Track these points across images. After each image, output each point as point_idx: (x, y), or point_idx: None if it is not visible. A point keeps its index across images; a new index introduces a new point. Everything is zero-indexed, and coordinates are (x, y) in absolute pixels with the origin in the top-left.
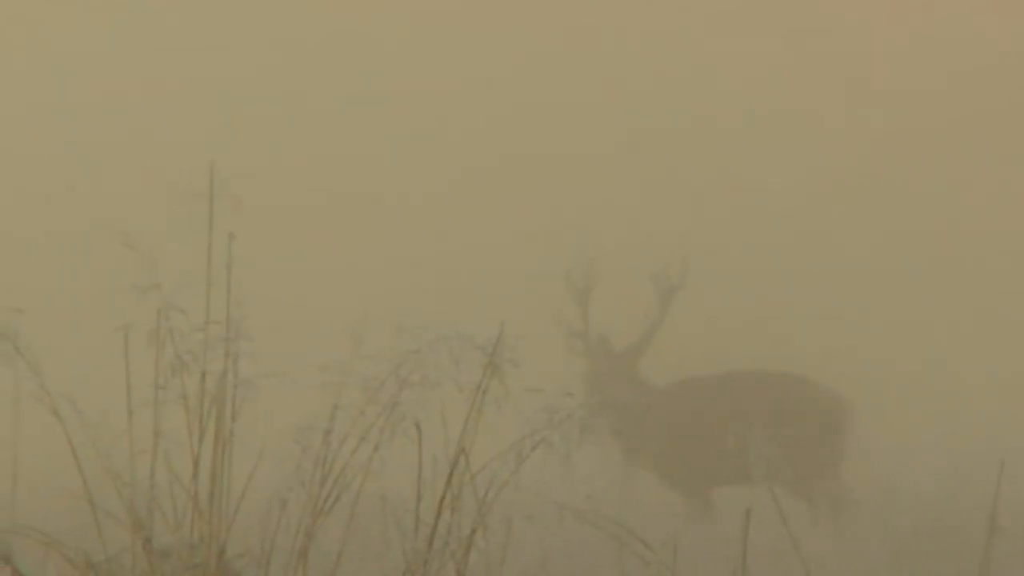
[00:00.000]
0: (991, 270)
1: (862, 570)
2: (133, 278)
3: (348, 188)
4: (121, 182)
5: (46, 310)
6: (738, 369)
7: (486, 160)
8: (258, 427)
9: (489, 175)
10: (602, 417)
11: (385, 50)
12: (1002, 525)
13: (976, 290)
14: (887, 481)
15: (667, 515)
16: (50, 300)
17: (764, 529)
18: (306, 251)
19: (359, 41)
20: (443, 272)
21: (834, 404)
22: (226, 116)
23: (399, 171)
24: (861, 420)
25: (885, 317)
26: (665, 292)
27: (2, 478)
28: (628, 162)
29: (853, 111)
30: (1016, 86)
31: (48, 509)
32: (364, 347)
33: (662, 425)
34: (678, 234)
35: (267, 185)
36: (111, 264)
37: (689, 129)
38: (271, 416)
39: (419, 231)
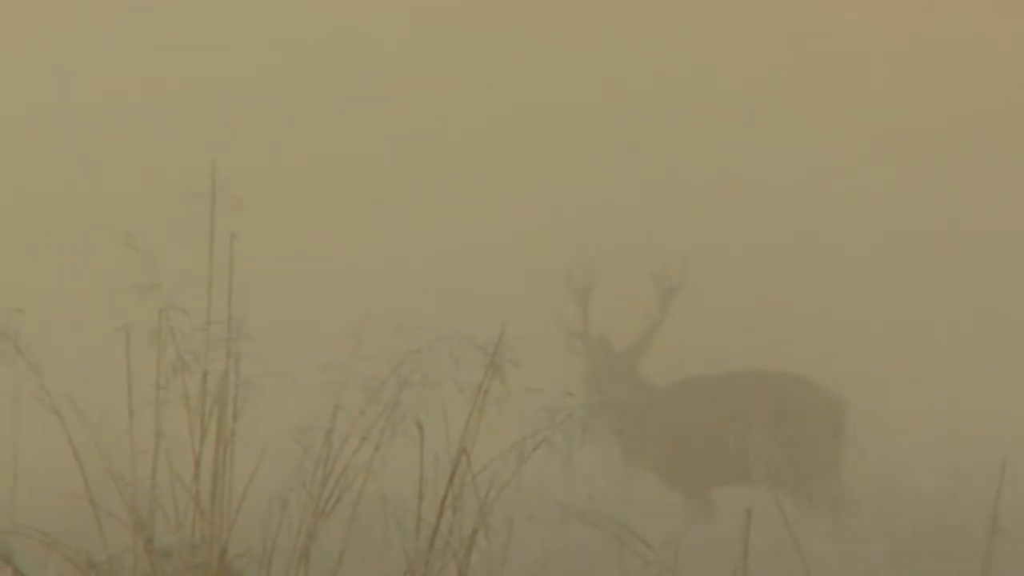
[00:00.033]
0: (991, 270)
1: (862, 570)
2: (134, 278)
3: (348, 188)
4: (121, 182)
5: (47, 310)
6: (738, 369)
7: (486, 160)
8: (259, 427)
9: (489, 175)
10: (603, 417)
11: (385, 50)
12: (1003, 525)
13: (976, 290)
14: (887, 481)
15: (668, 515)
16: (51, 300)
17: (765, 529)
18: (307, 251)
19: (359, 41)
20: (443, 272)
21: (834, 404)
22: (226, 116)
23: (399, 171)
24: (861, 420)
25: (885, 317)
26: (665, 292)
27: (3, 478)
28: (628, 162)
29: (853, 111)
30: (1016, 86)
31: (49, 509)
32: (365, 347)
33: (662, 425)
34: (678, 234)
35: (267, 185)
36: (112, 264)
37: (689, 129)
38: (272, 416)
39: (419, 231)
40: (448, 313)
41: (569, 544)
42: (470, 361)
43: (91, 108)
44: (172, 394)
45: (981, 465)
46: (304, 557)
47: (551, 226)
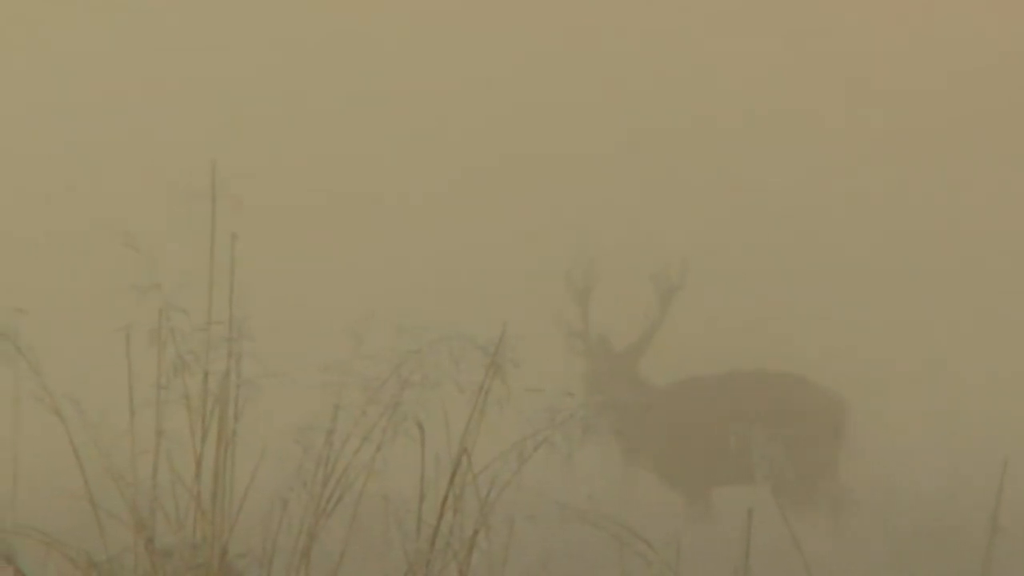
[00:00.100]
0: (991, 270)
1: (862, 570)
2: (134, 278)
3: (348, 188)
4: (121, 182)
5: (47, 310)
6: (738, 369)
7: (486, 160)
8: (260, 427)
9: (489, 175)
10: (603, 417)
11: (385, 50)
12: (1003, 525)
13: (976, 290)
14: (887, 481)
15: (669, 515)
16: (51, 300)
17: (766, 529)
18: (307, 251)
19: (359, 41)
20: (443, 272)
21: (834, 404)
22: (226, 116)
23: (399, 171)
24: (861, 420)
25: (885, 317)
26: (665, 292)
27: (3, 478)
28: (628, 162)
29: (853, 111)
30: (1016, 86)
31: (50, 509)
32: (365, 347)
33: (662, 425)
34: (678, 234)
35: (268, 185)
36: (112, 264)
37: (689, 129)
38: (273, 416)
39: (419, 231)
40: (448, 313)
41: (570, 544)
42: (471, 361)
43: (91, 108)
44: (173, 394)
45: (981, 465)
46: (305, 557)
47: (551, 226)
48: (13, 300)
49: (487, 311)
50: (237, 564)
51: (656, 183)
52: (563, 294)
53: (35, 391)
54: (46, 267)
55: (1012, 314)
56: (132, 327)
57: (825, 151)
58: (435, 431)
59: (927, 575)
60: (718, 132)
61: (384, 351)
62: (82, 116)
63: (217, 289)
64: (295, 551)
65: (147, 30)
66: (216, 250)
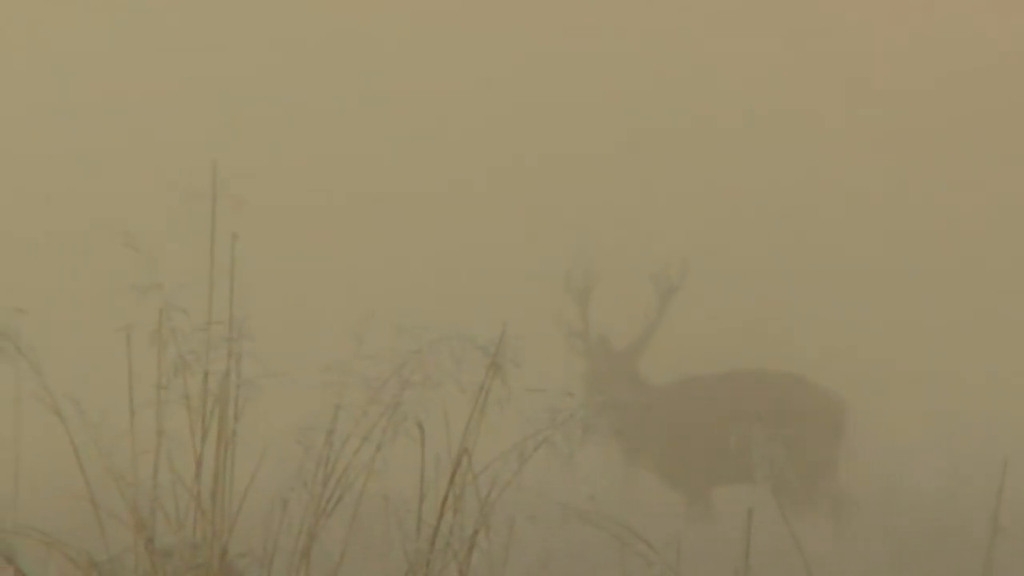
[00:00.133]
0: (991, 270)
1: (863, 570)
2: (135, 278)
3: (349, 188)
4: (122, 182)
5: (48, 310)
6: (738, 369)
7: (486, 160)
8: (260, 427)
9: (489, 175)
10: (604, 417)
11: (385, 50)
12: (1004, 525)
13: (976, 290)
14: (887, 481)
15: (670, 515)
16: (52, 300)
17: (766, 529)
18: (308, 251)
19: (359, 41)
20: (443, 272)
21: (834, 404)
22: (227, 116)
23: (399, 171)
24: (861, 420)
25: (885, 317)
26: (665, 292)
27: (4, 478)
28: (628, 162)
29: (853, 111)
30: (1016, 86)
31: (50, 509)
32: (366, 347)
33: (663, 425)
34: (678, 234)
35: (268, 185)
36: (112, 264)
37: (689, 129)
38: (273, 416)
39: (419, 231)
40: (448, 313)
41: (570, 544)
42: (471, 361)
43: (91, 108)
44: (173, 394)
45: (981, 465)
46: (305, 557)
47: (551, 226)
48: (14, 300)
49: (487, 311)
50: (237, 564)
51: (656, 183)
52: (563, 294)
53: (36, 391)
54: (46, 267)
55: (1012, 314)
56: (132, 327)
57: (825, 151)
58: (435, 431)
59: (927, 575)
60: (718, 132)
61: (384, 351)
62: (82, 116)
63: (217, 289)
64: (295, 551)
65: (147, 30)
66: (216, 250)
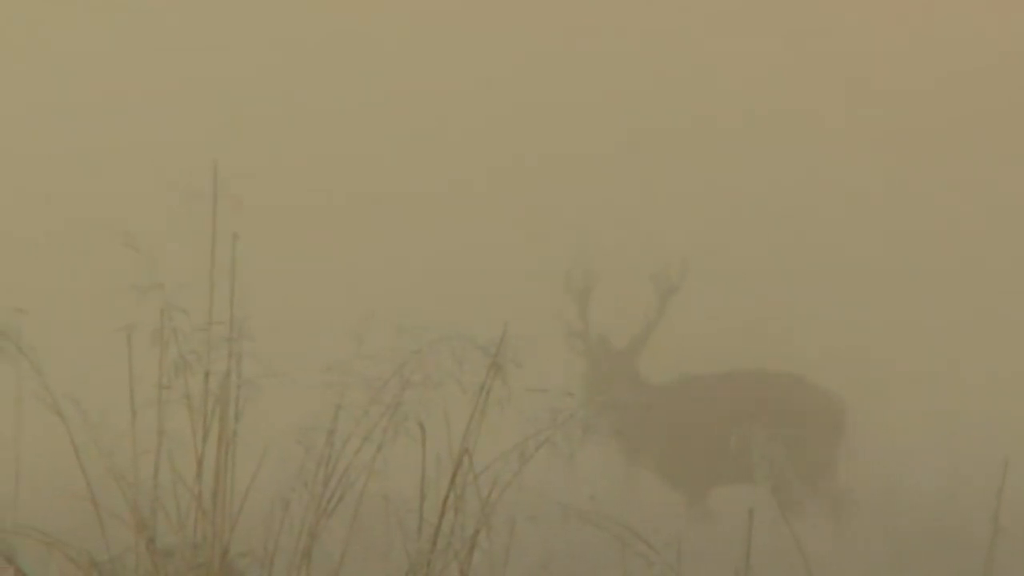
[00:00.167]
0: (991, 270)
1: (863, 570)
2: (135, 278)
3: (349, 188)
4: (122, 182)
5: (48, 310)
6: (738, 369)
7: (486, 160)
8: (261, 427)
9: (489, 175)
10: (604, 417)
11: (385, 50)
12: (1004, 525)
13: (976, 290)
14: (887, 481)
15: (670, 515)
16: (52, 300)
17: (767, 529)
18: (308, 251)
19: (359, 41)
20: (444, 272)
21: (834, 404)
22: (227, 116)
23: (399, 171)
24: (861, 420)
25: (885, 317)
26: (665, 292)
27: (5, 478)
28: (628, 162)
29: (853, 111)
30: (1016, 86)
31: (51, 509)
32: (366, 347)
33: (663, 425)
34: (678, 234)
35: (269, 185)
36: (113, 264)
37: (689, 129)
38: (274, 416)
39: (419, 231)
40: (449, 313)
41: (571, 544)
42: (472, 361)
43: (91, 108)
44: (174, 394)
45: (981, 465)
46: (306, 557)
47: (551, 226)
48: (14, 300)
49: (487, 311)
50: (238, 564)
51: (656, 183)
52: (563, 294)
53: (36, 391)
54: (47, 267)
55: (1012, 314)
56: (133, 327)
57: (825, 151)
58: (436, 431)
59: (928, 575)
60: (718, 132)
61: (385, 351)
62: (82, 116)
63: (218, 289)
64: (296, 551)
65: (147, 30)
66: (217, 250)
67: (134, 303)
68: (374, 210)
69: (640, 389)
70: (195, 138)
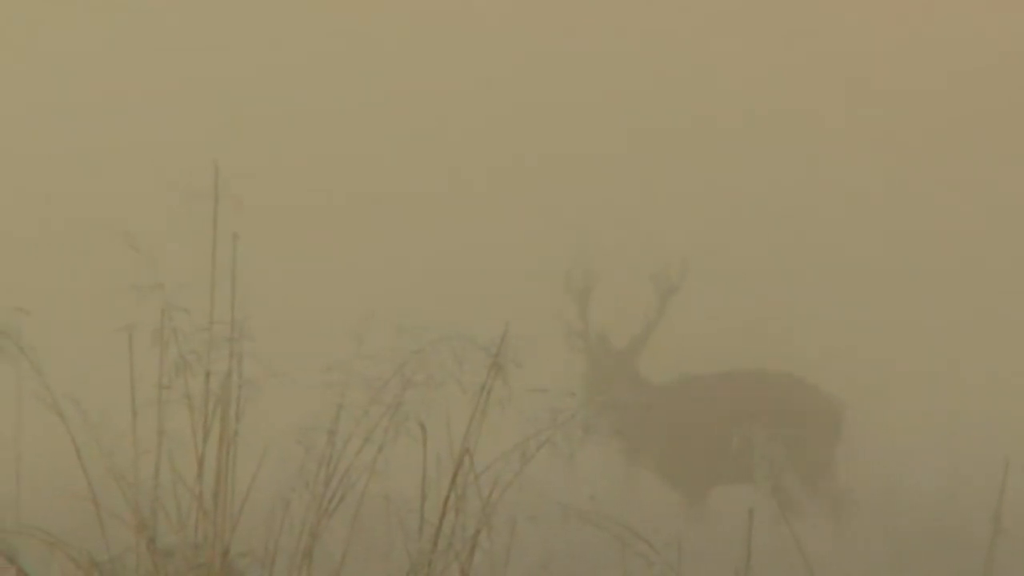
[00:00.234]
0: (991, 270)
1: (863, 570)
2: (136, 278)
3: (349, 188)
4: (122, 182)
5: (49, 310)
6: (738, 369)
7: (486, 160)
8: (262, 427)
9: (489, 175)
10: (604, 417)
11: (385, 50)
12: (1005, 526)
13: (976, 290)
14: (887, 481)
15: (671, 515)
16: (53, 300)
17: (767, 529)
18: (309, 251)
19: (359, 41)
20: (444, 272)
21: (833, 404)
22: (228, 116)
23: (399, 171)
24: (861, 420)
25: (885, 317)
26: (665, 292)
27: (6, 478)
28: (628, 162)
29: (853, 111)
30: (1016, 86)
31: (52, 509)
32: (367, 347)
33: (663, 425)
34: (678, 234)
35: (269, 185)
36: (113, 264)
37: (689, 129)
38: (275, 416)
39: (420, 231)
40: (449, 313)
41: (571, 544)
42: (473, 361)
43: (91, 108)
44: (175, 394)
45: (981, 465)
46: (307, 557)
47: (551, 226)
48: (14, 300)
49: (487, 311)
50: (239, 564)
51: (656, 183)
52: (563, 294)
53: (37, 391)
54: (47, 267)
55: (1012, 314)
56: (134, 327)
57: (825, 151)
58: (437, 431)
59: (928, 575)
60: (718, 132)
61: (386, 351)
62: (82, 116)
63: (219, 289)
64: (297, 551)
65: (147, 30)
66: (218, 250)
67: (135, 303)
68: (374, 210)
69: (640, 389)
70: (195, 138)
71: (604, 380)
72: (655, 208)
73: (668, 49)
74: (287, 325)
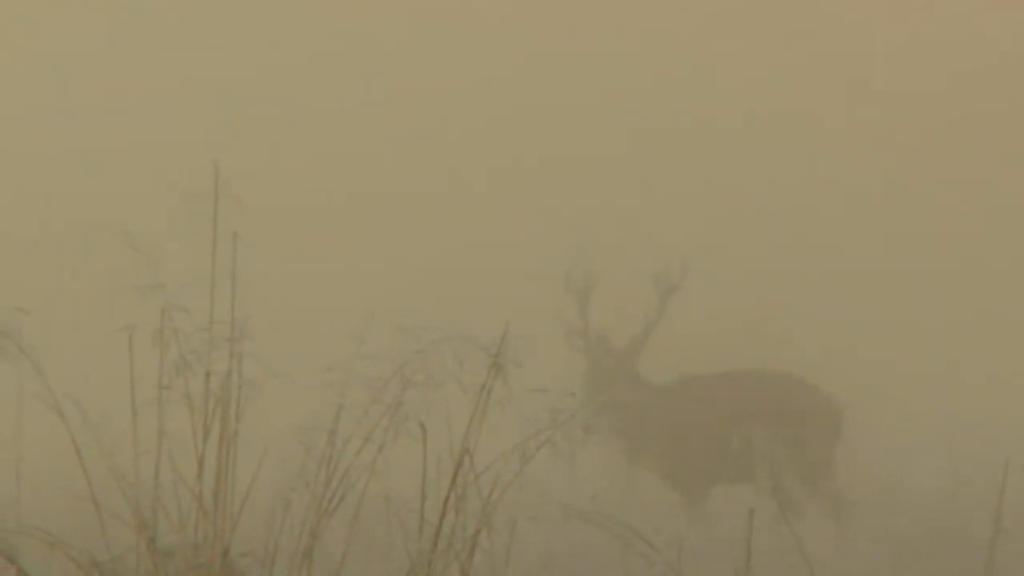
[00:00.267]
0: (991, 270)
1: (864, 570)
2: (136, 278)
3: (349, 188)
4: (122, 182)
5: (49, 310)
6: (738, 369)
7: (486, 160)
8: (262, 427)
9: (489, 175)
10: (605, 417)
11: (385, 50)
12: (1006, 526)
13: (976, 290)
14: (887, 481)
15: (671, 515)
16: (53, 300)
17: (767, 529)
18: (309, 251)
19: (359, 41)
20: (444, 272)
21: (833, 404)
22: (228, 116)
23: (399, 171)
24: (861, 421)
25: (885, 317)
26: (665, 292)
27: (6, 478)
28: (628, 162)
29: (853, 111)
30: (1016, 86)
31: (52, 509)
32: (367, 347)
33: (664, 425)
34: (678, 234)
35: (269, 185)
36: (114, 264)
37: (689, 129)
38: (275, 416)
39: (420, 231)
40: (449, 313)
41: (572, 544)
42: (473, 361)
43: (91, 108)
44: (175, 394)
45: (982, 465)
46: (307, 557)
47: (551, 226)
48: (15, 300)
49: (487, 311)
50: (239, 564)
51: (656, 183)
52: (563, 294)
53: (37, 391)
54: (47, 267)
55: (1012, 314)
56: (134, 327)
57: (825, 151)
58: (437, 431)
59: (928, 575)
60: (718, 132)
61: (386, 351)
62: (82, 116)
63: (219, 289)
64: (297, 551)
65: (147, 30)
66: (218, 250)
67: (135, 303)
68: (374, 210)
69: (640, 389)
70: (195, 138)
71: (604, 380)
72: (655, 208)
73: (668, 49)
74: (287, 325)
